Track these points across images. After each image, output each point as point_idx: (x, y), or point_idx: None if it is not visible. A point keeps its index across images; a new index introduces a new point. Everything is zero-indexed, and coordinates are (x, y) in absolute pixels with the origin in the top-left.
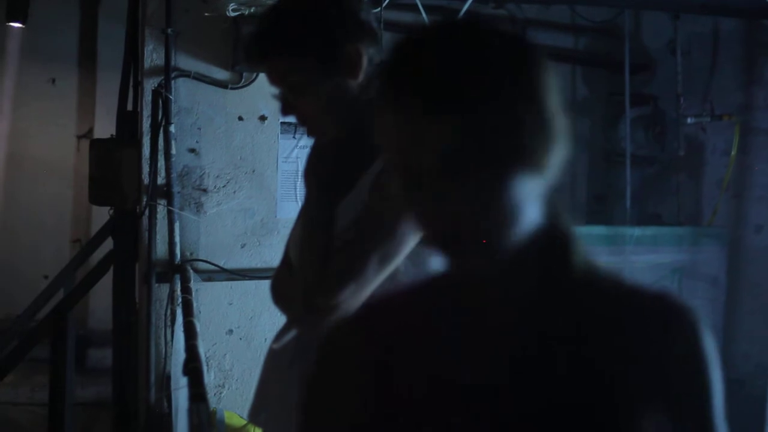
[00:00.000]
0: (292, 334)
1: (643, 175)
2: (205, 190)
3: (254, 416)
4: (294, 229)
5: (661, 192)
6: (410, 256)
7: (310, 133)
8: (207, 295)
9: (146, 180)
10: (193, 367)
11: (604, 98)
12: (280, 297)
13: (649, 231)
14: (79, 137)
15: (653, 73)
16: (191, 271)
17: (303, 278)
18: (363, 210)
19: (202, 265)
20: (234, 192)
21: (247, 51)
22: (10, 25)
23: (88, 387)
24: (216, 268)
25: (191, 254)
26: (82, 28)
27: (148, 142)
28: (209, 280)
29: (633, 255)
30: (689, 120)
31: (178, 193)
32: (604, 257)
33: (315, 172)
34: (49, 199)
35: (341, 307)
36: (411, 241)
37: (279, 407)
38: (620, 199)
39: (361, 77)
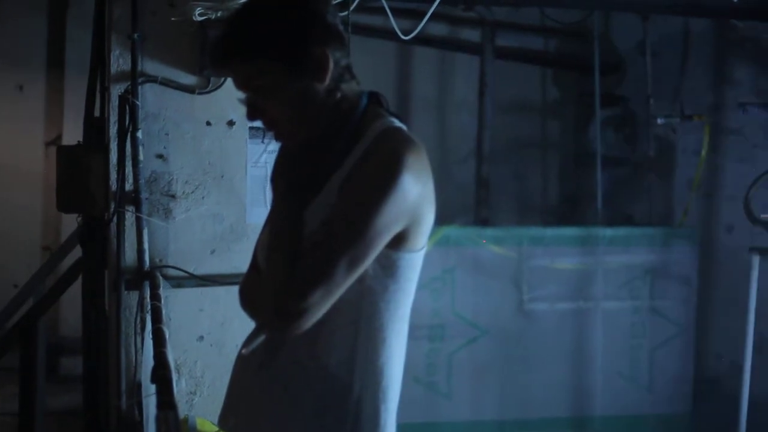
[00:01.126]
0: (261, 339)
1: (614, 176)
2: (173, 196)
3: (224, 422)
4: (262, 234)
5: (633, 192)
6: (379, 259)
7: (277, 137)
8: (177, 302)
9: (114, 186)
10: (161, 375)
11: (575, 99)
12: (248, 302)
13: (621, 232)
14: (48, 144)
15: (624, 74)
16: (160, 277)
17: (271, 282)
18: (331, 213)
19: (171, 272)
20: (203, 197)
21: (212, 55)
22: None
23: (60, 395)
24: (186, 274)
25: (160, 261)
26: (49, 33)
27: (116, 148)
28: (179, 286)
29: (605, 256)
30: (659, 120)
31: (147, 199)
32: (575, 258)
33: (283, 175)
34: (18, 206)
35: (310, 311)
36: (380, 244)
37: (248, 412)
38: (591, 200)
39: (328, 80)
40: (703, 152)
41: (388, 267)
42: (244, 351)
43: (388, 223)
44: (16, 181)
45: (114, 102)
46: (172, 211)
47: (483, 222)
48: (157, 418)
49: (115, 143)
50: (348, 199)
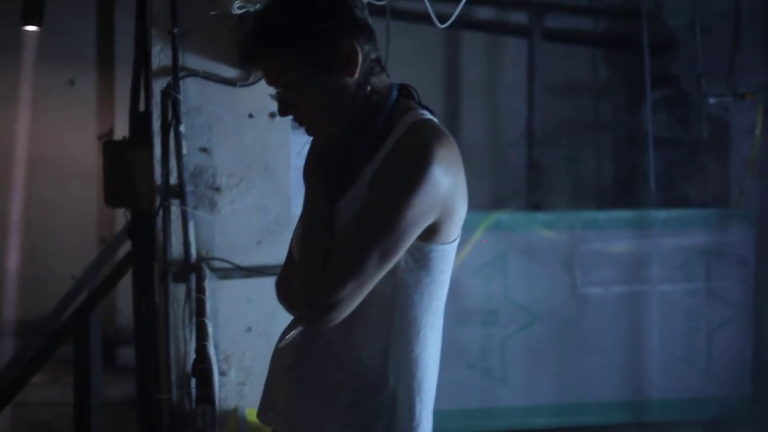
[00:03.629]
0: (296, 332)
1: (668, 158)
2: (218, 189)
3: (262, 415)
4: (297, 227)
5: (688, 174)
6: (410, 250)
7: (308, 132)
8: (225, 294)
9: (159, 180)
10: (201, 368)
11: (626, 80)
12: (284, 295)
13: (676, 213)
14: (100, 137)
15: (675, 53)
16: (207, 270)
17: (303, 276)
18: (362, 206)
19: (218, 264)
20: (247, 190)
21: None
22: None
23: (118, 385)
24: (232, 266)
25: (207, 253)
26: (99, 28)
27: (159, 142)
28: (226, 278)
29: (660, 238)
30: (711, 100)
31: (191, 192)
32: (629, 241)
33: (314, 169)
34: (74, 200)
35: (341, 304)
36: (411, 236)
37: (285, 405)
38: (645, 182)
39: (357, 74)
40: (757, 131)
41: (420, 259)
42: (280, 344)
43: (419, 215)
44: (70, 174)
45: (156, 97)
46: (217, 204)
47: (535, 206)
48: (195, 411)
49: (159, 137)
50: (378, 192)
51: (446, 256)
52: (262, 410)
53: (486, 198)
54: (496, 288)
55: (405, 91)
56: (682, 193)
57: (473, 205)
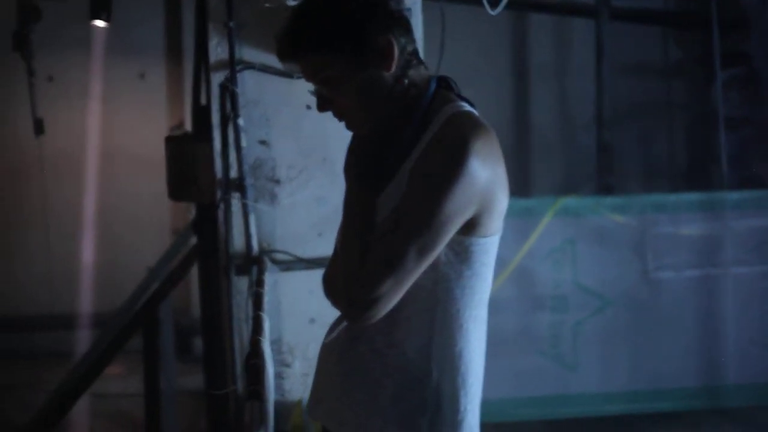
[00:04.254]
0: (342, 327)
1: (741, 137)
2: (278, 181)
3: (311, 410)
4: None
5: (761, 153)
6: (451, 244)
7: (348, 127)
8: (287, 285)
9: (219, 174)
10: (252, 364)
11: (698, 59)
12: (330, 290)
13: (749, 195)
14: (171, 129)
15: (748, 30)
16: (269, 262)
17: (344, 272)
18: (400, 201)
19: (279, 256)
20: (307, 181)
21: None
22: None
23: (193, 375)
24: (293, 258)
25: (268, 245)
26: (167, 21)
27: (219, 135)
28: (288, 269)
29: (733, 220)
30: None
31: (252, 185)
32: (701, 224)
33: (354, 164)
34: (147, 191)
35: (381, 300)
36: (450, 230)
37: (331, 401)
38: (718, 163)
39: (394, 67)
40: None
41: (461, 253)
42: (326, 339)
43: (457, 209)
44: (143, 167)
45: (215, 90)
46: (278, 196)
47: (606, 189)
48: (244, 406)
49: (218, 131)
50: (416, 187)
51: (487, 249)
52: (311, 405)
53: (557, 182)
54: (565, 274)
55: (444, 83)
56: (756, 173)
57: (544, 191)
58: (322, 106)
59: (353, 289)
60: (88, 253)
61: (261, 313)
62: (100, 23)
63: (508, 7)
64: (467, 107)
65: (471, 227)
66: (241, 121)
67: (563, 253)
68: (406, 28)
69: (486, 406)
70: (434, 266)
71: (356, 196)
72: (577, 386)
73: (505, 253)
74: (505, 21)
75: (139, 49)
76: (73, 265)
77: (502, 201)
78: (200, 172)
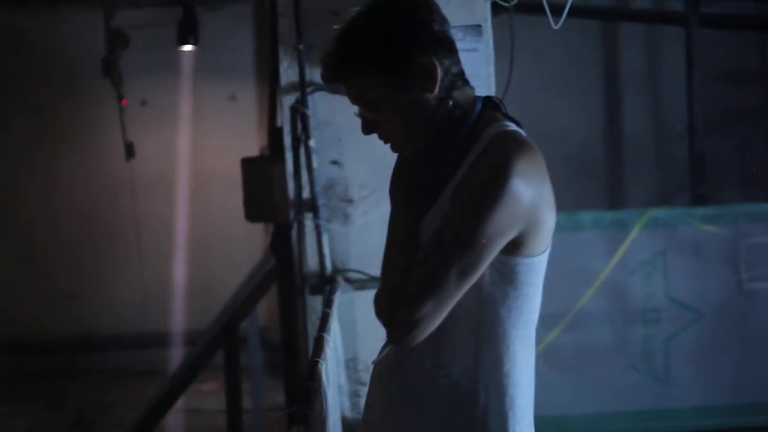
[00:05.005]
0: (390, 348)
1: None
2: (350, 201)
3: (364, 430)
4: None
5: None
6: (495, 264)
7: (393, 149)
8: (362, 304)
9: (292, 195)
10: (307, 386)
11: None
12: (378, 311)
13: None
14: (262, 150)
15: None
16: (342, 281)
17: (386, 294)
18: (442, 222)
19: (353, 275)
20: (380, 201)
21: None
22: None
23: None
24: (367, 277)
25: (342, 265)
26: (256, 43)
27: (291, 157)
28: (362, 288)
29: None
30: None
31: (324, 205)
32: None
33: (400, 186)
34: (238, 212)
35: (422, 322)
36: (492, 251)
37: (382, 422)
38: None
39: (437, 89)
40: None
41: (505, 273)
42: (375, 360)
43: (500, 230)
44: (234, 187)
45: (286, 113)
46: (351, 216)
47: (700, 199)
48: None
49: (290, 152)
50: (458, 208)
51: (534, 269)
52: (363, 425)
53: (650, 193)
54: (656, 286)
55: (490, 103)
56: None
57: (637, 202)
58: (366, 128)
59: (394, 311)
60: (180, 272)
61: (324, 335)
62: (188, 48)
63: (598, 17)
64: (512, 127)
65: (516, 247)
66: (312, 142)
67: (654, 266)
68: (450, 49)
69: (577, 421)
70: (478, 287)
71: (400, 217)
72: (671, 401)
73: (595, 266)
74: (595, 30)
75: (230, 71)
76: (166, 285)
77: (548, 220)
78: (276, 193)
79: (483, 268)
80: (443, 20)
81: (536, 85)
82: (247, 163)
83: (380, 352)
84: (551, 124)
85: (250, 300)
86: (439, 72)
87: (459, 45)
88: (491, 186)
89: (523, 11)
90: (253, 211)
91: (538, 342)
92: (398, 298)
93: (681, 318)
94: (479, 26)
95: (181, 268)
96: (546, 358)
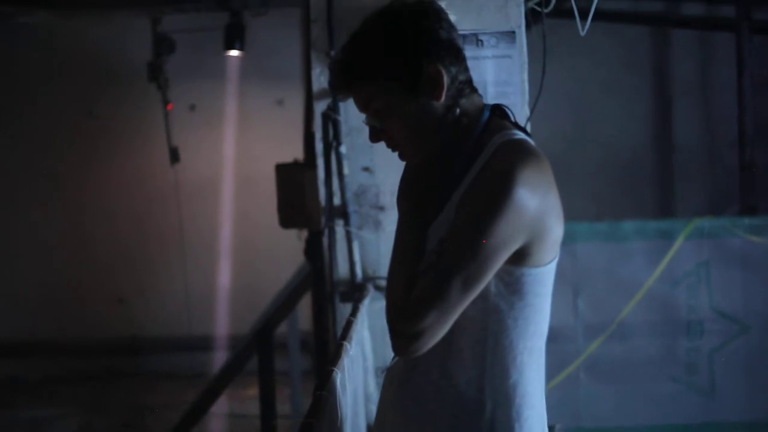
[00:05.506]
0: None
1: None
2: (382, 208)
3: None
4: None
5: None
6: (500, 275)
7: (401, 157)
8: None
9: (324, 201)
10: (319, 395)
11: None
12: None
13: None
14: None
15: None
16: (372, 289)
17: (391, 304)
18: (447, 231)
19: (384, 282)
20: None
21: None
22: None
23: None
24: None
25: (373, 272)
26: (304, 48)
27: (323, 164)
28: None
29: None
30: None
31: (355, 212)
32: None
33: (407, 194)
34: None
35: (426, 333)
36: (497, 261)
37: (393, 429)
38: None
39: (444, 97)
40: None
41: (511, 284)
42: (388, 366)
43: (504, 240)
44: None
45: (318, 119)
46: (382, 223)
47: (750, 210)
48: None
49: (322, 159)
50: (461, 218)
51: (540, 279)
52: (375, 431)
53: (700, 203)
54: (700, 298)
55: (499, 111)
56: None
57: (687, 212)
58: (374, 137)
59: (398, 322)
60: (225, 276)
61: (344, 343)
62: (234, 53)
63: (648, 23)
64: (520, 135)
65: (521, 257)
66: (343, 149)
67: (698, 277)
68: (458, 57)
69: None
70: (484, 297)
71: (406, 227)
72: (715, 414)
73: (637, 276)
74: (645, 37)
75: (277, 76)
76: (211, 289)
77: (555, 230)
78: (308, 199)
79: (487, 279)
80: (451, 27)
81: (586, 91)
82: (280, 169)
83: (392, 360)
84: (601, 131)
85: (284, 306)
86: (446, 80)
87: (492, 51)
88: (495, 195)
89: (570, 16)
90: (287, 218)
91: (579, 353)
92: (402, 309)
93: (726, 330)
94: (513, 32)
95: (225, 272)
96: (588, 370)
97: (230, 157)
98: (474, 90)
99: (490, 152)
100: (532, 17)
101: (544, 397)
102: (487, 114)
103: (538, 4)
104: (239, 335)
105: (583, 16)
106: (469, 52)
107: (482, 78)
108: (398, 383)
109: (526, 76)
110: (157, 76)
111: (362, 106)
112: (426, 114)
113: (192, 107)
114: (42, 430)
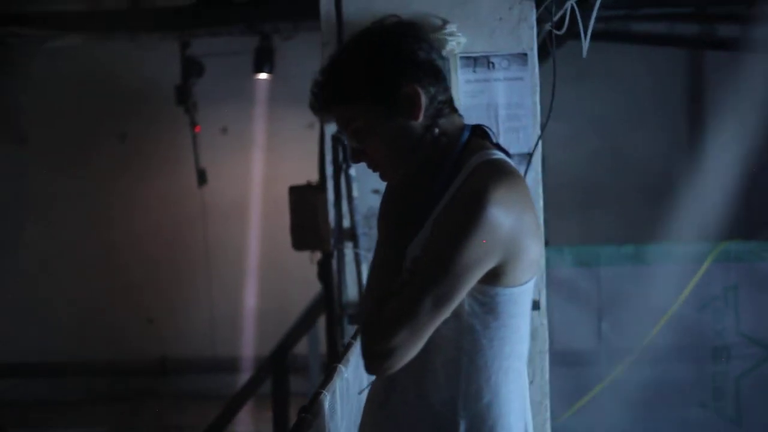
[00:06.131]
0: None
1: None
2: None
3: None
4: None
5: None
6: (474, 294)
7: (382, 177)
8: None
9: (333, 224)
10: (302, 417)
11: None
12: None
13: None
14: None
15: None
16: None
17: (364, 322)
18: (419, 251)
19: None
20: None
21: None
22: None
23: None
24: None
25: None
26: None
27: (332, 186)
28: None
29: None
30: None
31: (365, 234)
32: None
33: (387, 214)
34: None
35: (396, 351)
36: (468, 281)
37: None
38: None
39: (422, 117)
40: None
41: (486, 303)
42: (360, 391)
43: (476, 259)
44: None
45: (328, 142)
46: None
47: None
48: None
49: (332, 182)
50: (435, 237)
51: (516, 300)
52: None
53: (733, 227)
54: (727, 322)
55: (479, 131)
56: None
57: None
58: (355, 157)
59: (369, 340)
60: (251, 298)
61: (338, 365)
62: (263, 76)
63: (684, 45)
64: (499, 155)
65: (496, 277)
66: (353, 171)
67: (725, 301)
68: (436, 77)
69: None
70: (458, 316)
71: (385, 245)
72: None
73: (663, 300)
74: (678, 59)
75: (307, 99)
76: (237, 310)
77: (531, 250)
78: (321, 221)
79: (459, 298)
80: (431, 48)
81: (618, 114)
82: (293, 191)
83: (369, 381)
84: (633, 154)
85: (298, 328)
86: (424, 100)
87: (504, 74)
88: (467, 215)
89: (602, 38)
90: (299, 239)
91: (603, 377)
92: (373, 327)
93: (753, 356)
94: (525, 54)
95: (252, 293)
96: (612, 394)
97: (259, 179)
98: (454, 110)
99: (468, 172)
100: (554, 40)
101: (524, 416)
102: (467, 134)
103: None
104: (265, 357)
105: (613, 38)
106: (480, 74)
107: (494, 100)
108: (377, 405)
109: (537, 98)
110: (185, 99)
111: (342, 127)
112: (404, 134)
113: (224, 130)
114: None
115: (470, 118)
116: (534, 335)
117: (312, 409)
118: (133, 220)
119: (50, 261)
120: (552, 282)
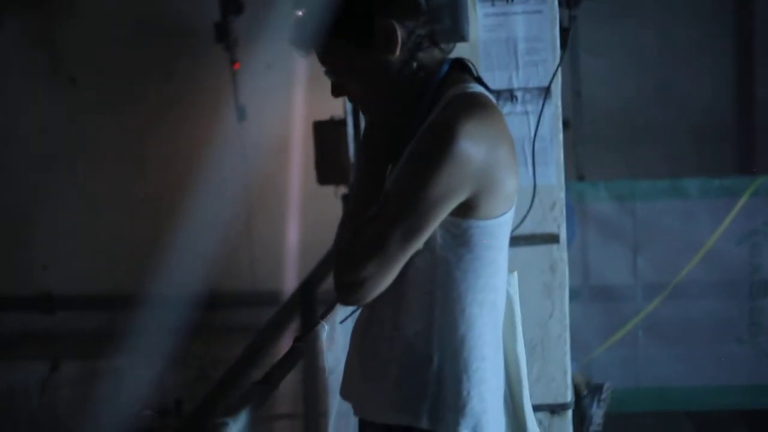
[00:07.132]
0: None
1: None
2: None
3: (342, 390)
4: None
5: None
6: (447, 227)
7: (362, 111)
8: None
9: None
10: (295, 346)
11: None
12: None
13: None
14: None
15: None
16: None
17: (335, 254)
18: (390, 184)
19: None
20: None
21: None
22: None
23: None
24: None
25: None
26: None
27: (351, 121)
28: None
29: None
30: None
31: None
32: None
33: (366, 148)
34: None
35: (366, 283)
36: (438, 214)
37: (351, 381)
38: None
39: (398, 51)
40: None
41: (459, 236)
42: (342, 320)
43: (446, 192)
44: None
45: None
46: None
47: None
48: None
49: (351, 117)
50: (404, 169)
51: (491, 232)
52: (342, 386)
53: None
54: (765, 257)
55: (459, 64)
56: None
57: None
58: (335, 91)
59: (340, 271)
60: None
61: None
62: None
63: None
64: (477, 88)
65: (468, 209)
66: None
67: (764, 236)
68: (414, 11)
69: (678, 394)
70: (431, 249)
71: (362, 178)
72: None
73: (700, 235)
74: None
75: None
76: (279, 245)
77: (506, 183)
78: (344, 156)
79: (429, 230)
80: None
81: (668, 49)
82: (317, 127)
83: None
84: (681, 89)
85: (325, 262)
86: (401, 34)
87: (522, 7)
88: (437, 147)
89: None
90: (323, 174)
91: (638, 312)
92: (344, 258)
93: None
94: None
95: (292, 228)
96: (647, 329)
97: (300, 115)
98: (435, 44)
99: (443, 105)
100: None
101: (500, 349)
102: (446, 68)
103: None
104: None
105: None
106: (498, 8)
107: (512, 34)
108: (359, 335)
109: (557, 32)
110: (224, 36)
111: (321, 62)
112: (381, 68)
113: (268, 66)
114: (123, 378)
115: (489, 53)
116: (553, 268)
117: (307, 338)
118: (178, 159)
119: (103, 197)
120: (587, 217)
